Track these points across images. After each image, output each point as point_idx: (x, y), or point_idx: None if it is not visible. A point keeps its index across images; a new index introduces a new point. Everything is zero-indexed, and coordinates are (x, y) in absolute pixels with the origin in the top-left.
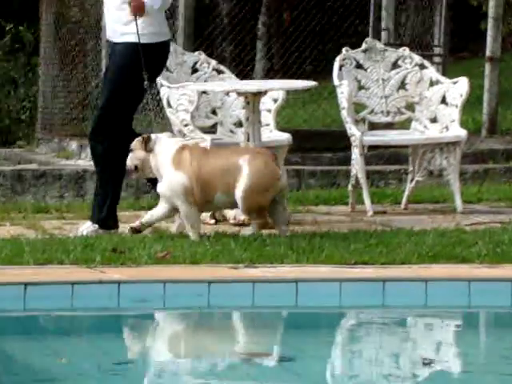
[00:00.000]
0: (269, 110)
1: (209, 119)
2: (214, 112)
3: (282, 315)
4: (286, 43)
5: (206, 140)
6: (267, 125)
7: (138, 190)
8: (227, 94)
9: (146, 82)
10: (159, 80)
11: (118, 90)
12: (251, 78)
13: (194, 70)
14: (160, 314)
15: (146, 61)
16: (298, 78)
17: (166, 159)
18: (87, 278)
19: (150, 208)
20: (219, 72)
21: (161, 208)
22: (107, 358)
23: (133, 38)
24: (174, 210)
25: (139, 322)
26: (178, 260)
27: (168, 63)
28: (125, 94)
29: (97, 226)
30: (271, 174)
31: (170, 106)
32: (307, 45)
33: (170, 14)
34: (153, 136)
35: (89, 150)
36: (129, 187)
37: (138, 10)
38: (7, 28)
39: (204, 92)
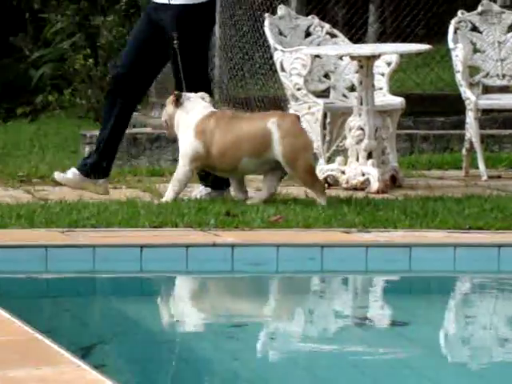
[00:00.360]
0: (382, 74)
1: (322, 83)
2: (326, 76)
3: (395, 280)
4: (399, 6)
5: (319, 104)
6: (380, 89)
7: None
8: (340, 57)
9: (175, 42)
10: (273, 44)
11: (189, 59)
12: (363, 42)
13: (308, 34)
14: (273, 278)
15: (192, 23)
16: (410, 42)
17: (190, 122)
18: (201, 241)
19: None
20: (332, 36)
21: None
22: (222, 320)
23: (179, 0)
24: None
25: (252, 285)
26: (291, 224)
27: (281, 27)
28: (195, 61)
29: (209, 188)
30: (302, 132)
31: (283, 70)
32: (420, 8)
33: None
34: (184, 94)
35: None
36: None
37: None
38: None
39: (317, 56)
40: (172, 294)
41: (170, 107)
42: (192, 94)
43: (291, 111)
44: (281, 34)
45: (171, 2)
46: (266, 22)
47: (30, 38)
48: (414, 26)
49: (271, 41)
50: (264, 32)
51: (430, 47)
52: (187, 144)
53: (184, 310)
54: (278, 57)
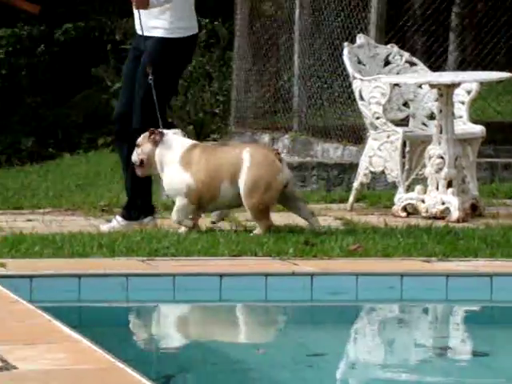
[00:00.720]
0: (462, 102)
1: (401, 112)
2: (405, 104)
3: (476, 309)
4: (480, 34)
5: (398, 133)
6: (460, 117)
7: (328, 182)
8: (420, 86)
9: (150, 77)
10: (351, 73)
11: (157, 87)
12: (443, 70)
13: (387, 63)
14: (352, 307)
15: (175, 55)
16: (491, 70)
17: (174, 157)
18: (280, 270)
19: (341, 201)
20: (412, 64)
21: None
22: (301, 350)
23: (162, 33)
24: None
25: (332, 315)
26: (370, 253)
27: (360, 56)
28: (162, 91)
29: None
30: (271, 168)
31: (362, 98)
32: (501, 36)
33: (363, 7)
34: (160, 131)
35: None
36: (319, 179)
37: (141, 4)
38: (203, 23)
39: (396, 84)
40: (251, 323)
41: (146, 146)
42: (166, 131)
43: (370, 140)
44: (360, 62)
45: (145, 34)
46: (345, 51)
47: (111, 69)
48: (495, 53)
49: (350, 69)
50: (343, 61)
51: (511, 75)
52: (177, 179)
53: (263, 339)
54: (356, 85)
